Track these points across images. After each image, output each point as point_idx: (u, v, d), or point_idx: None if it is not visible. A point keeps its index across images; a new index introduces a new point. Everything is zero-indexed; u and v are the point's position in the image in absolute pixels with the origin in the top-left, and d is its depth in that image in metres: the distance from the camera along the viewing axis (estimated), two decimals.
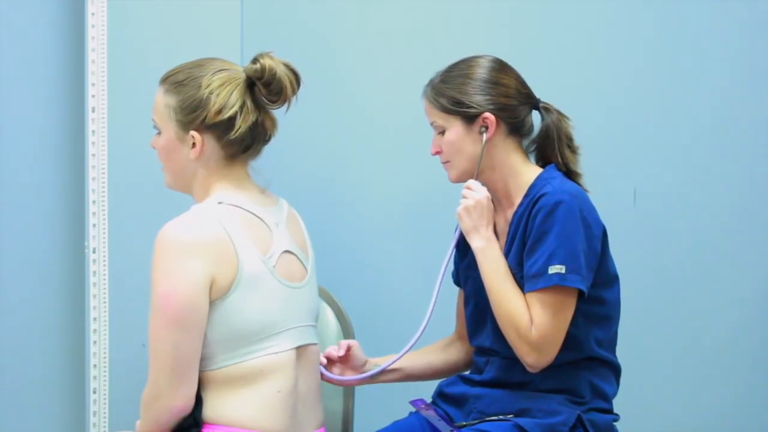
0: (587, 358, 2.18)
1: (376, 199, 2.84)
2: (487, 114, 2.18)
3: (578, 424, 2.15)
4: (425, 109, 2.25)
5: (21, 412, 2.79)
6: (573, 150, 2.24)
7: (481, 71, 2.21)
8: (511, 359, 2.18)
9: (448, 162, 2.24)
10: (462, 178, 2.23)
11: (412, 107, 2.82)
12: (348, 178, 2.85)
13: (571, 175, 2.22)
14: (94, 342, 2.68)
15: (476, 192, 2.18)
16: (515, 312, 2.11)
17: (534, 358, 2.11)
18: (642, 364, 2.70)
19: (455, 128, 2.20)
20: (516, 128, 2.21)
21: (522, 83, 2.23)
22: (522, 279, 2.14)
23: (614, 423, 2.23)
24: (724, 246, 2.82)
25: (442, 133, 2.22)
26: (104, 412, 2.69)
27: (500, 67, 2.23)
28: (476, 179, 2.21)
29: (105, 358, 2.68)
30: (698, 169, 2.82)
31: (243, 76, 2.10)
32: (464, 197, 2.19)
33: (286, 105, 2.12)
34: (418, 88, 2.83)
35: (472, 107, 2.18)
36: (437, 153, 2.25)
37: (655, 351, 2.81)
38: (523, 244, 2.15)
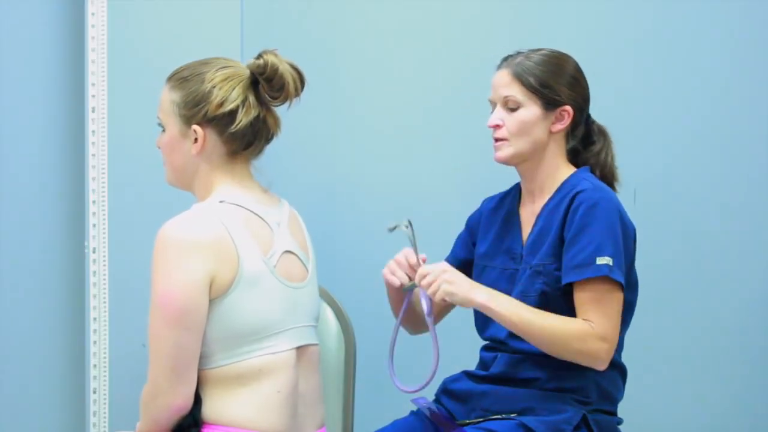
0: None
1: (376, 200, 2.84)
2: (568, 107, 2.21)
3: (582, 423, 2.15)
4: (503, 81, 2.22)
5: (21, 412, 2.79)
6: (616, 167, 2.30)
7: (572, 67, 2.24)
8: (519, 354, 2.18)
9: (505, 140, 2.22)
10: (513, 161, 2.23)
11: (413, 107, 2.83)
12: (348, 178, 2.85)
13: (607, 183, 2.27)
14: (94, 342, 2.68)
15: (435, 266, 2.12)
16: (565, 326, 2.09)
17: (605, 348, 2.09)
18: (642, 365, 2.69)
19: (533, 109, 2.20)
20: (574, 129, 2.25)
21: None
22: (556, 270, 2.14)
23: (618, 426, 2.24)
24: (725, 246, 2.82)
25: (514, 109, 2.21)
26: (104, 412, 2.69)
27: (581, 70, 2.26)
28: (521, 166, 2.23)
29: (105, 358, 2.68)
30: (698, 169, 2.82)
31: (247, 73, 2.11)
32: (434, 282, 2.09)
33: (288, 103, 2.13)
34: (419, 89, 2.84)
35: (559, 96, 2.20)
36: (497, 127, 2.22)
37: (655, 351, 2.81)
38: (560, 238, 2.15)
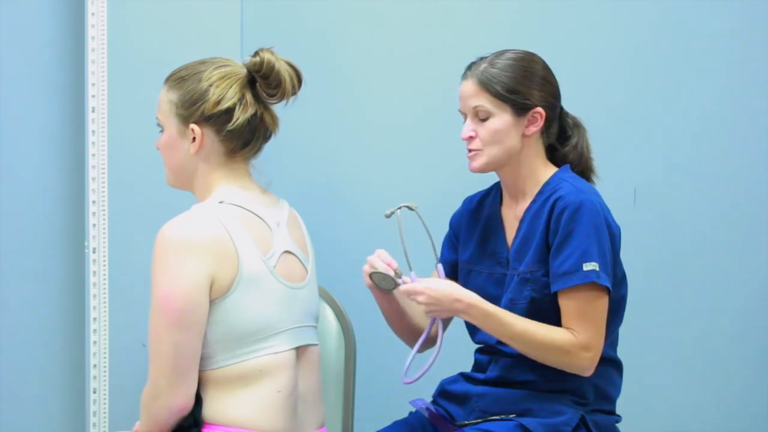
0: None
1: (376, 199, 2.83)
2: (540, 109, 2.18)
3: (581, 424, 2.14)
4: (469, 91, 2.18)
5: (21, 412, 2.79)
6: (591, 158, 2.27)
7: (538, 67, 2.20)
8: (515, 358, 2.17)
9: (479, 150, 2.19)
10: (487, 169, 2.21)
11: (413, 107, 2.83)
12: (348, 178, 2.85)
13: (585, 178, 2.25)
14: (94, 342, 2.68)
15: (421, 293, 2.13)
16: (550, 335, 2.09)
17: (589, 357, 2.10)
18: (642, 364, 2.70)
19: (504, 117, 2.17)
20: (549, 127, 2.21)
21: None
22: (544, 276, 2.14)
23: (616, 424, 2.23)
24: (724, 245, 2.82)
25: (485, 119, 2.18)
26: (104, 412, 2.69)
27: (548, 67, 2.23)
28: (499, 171, 2.21)
29: (105, 358, 2.68)
30: (698, 169, 2.82)
31: (244, 71, 2.12)
32: (425, 302, 2.13)
33: (285, 101, 2.13)
34: (419, 88, 2.84)
35: (529, 100, 2.17)
36: (470, 138, 2.19)
37: (655, 351, 2.81)
38: (545, 244, 2.14)
